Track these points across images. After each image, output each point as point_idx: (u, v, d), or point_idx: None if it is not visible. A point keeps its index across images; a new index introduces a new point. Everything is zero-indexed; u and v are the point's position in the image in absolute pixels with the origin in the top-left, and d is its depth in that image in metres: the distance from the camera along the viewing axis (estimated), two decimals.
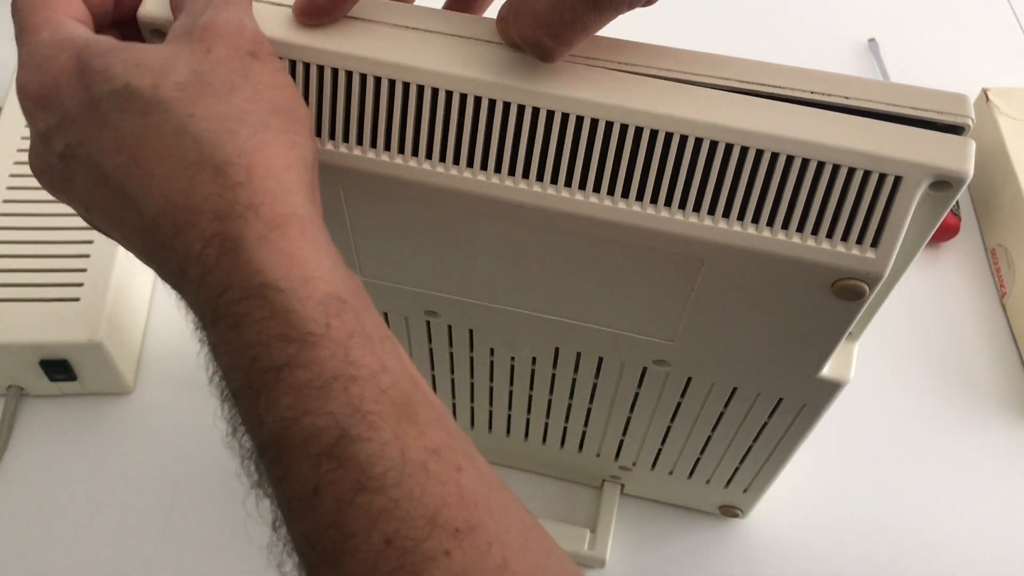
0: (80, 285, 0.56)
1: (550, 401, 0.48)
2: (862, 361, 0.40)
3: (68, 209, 0.59)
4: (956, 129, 0.30)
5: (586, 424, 0.49)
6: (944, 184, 0.30)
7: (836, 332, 0.36)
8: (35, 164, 0.31)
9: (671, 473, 0.52)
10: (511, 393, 0.48)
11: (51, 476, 0.56)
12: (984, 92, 0.70)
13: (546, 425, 0.51)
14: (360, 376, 0.26)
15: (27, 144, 0.62)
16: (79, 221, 0.60)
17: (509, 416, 0.51)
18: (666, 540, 0.55)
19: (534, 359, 0.44)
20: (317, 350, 0.25)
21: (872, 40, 0.80)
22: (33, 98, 0.29)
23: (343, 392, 0.25)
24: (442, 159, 0.33)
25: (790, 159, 0.31)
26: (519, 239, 0.36)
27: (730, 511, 0.54)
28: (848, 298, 0.33)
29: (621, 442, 0.50)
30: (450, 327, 0.43)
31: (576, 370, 0.44)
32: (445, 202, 0.34)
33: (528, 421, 0.51)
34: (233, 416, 0.28)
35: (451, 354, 0.46)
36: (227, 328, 0.27)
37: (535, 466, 0.57)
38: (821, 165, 0.30)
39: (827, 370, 0.39)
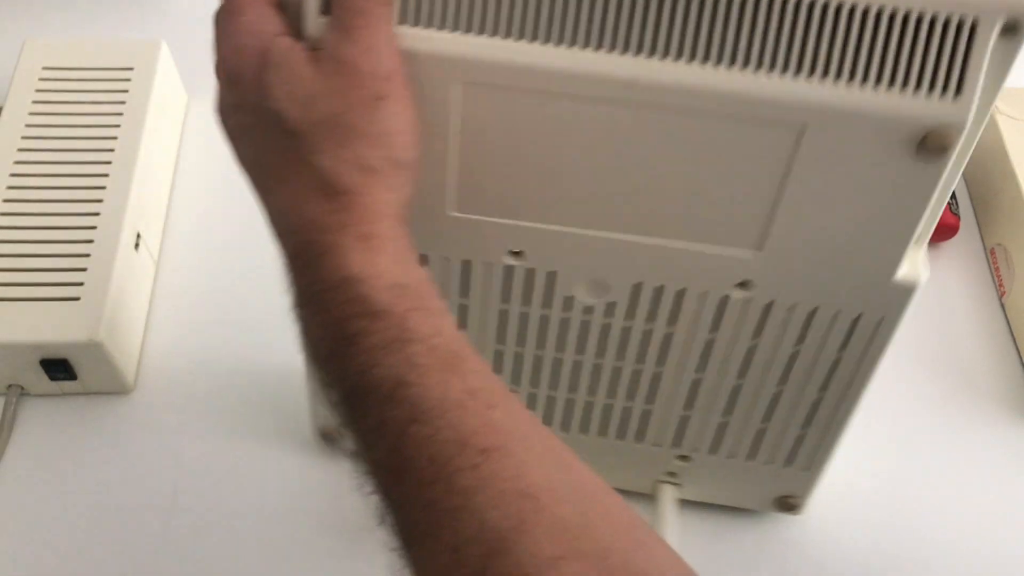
0: (80, 284, 0.56)
1: (618, 371, 0.48)
2: None
3: (68, 208, 0.59)
4: None
5: (651, 400, 0.49)
6: (1013, 29, 0.33)
7: (921, 202, 0.38)
8: (219, 115, 0.38)
9: (731, 457, 0.51)
10: (577, 366, 0.48)
11: (51, 475, 0.56)
12: None
13: (609, 408, 0.50)
14: (415, 338, 0.33)
15: (27, 144, 0.63)
16: (80, 220, 0.60)
17: (570, 400, 0.50)
18: (723, 545, 0.55)
19: (611, 308, 0.44)
20: (381, 321, 0.33)
21: None
22: (224, 75, 0.36)
23: (400, 350, 0.33)
24: (547, 39, 0.36)
25: (879, 11, 0.33)
26: (621, 126, 0.38)
27: (787, 504, 0.54)
28: (935, 154, 0.36)
29: (685, 420, 0.50)
30: (531, 274, 0.44)
31: (653, 317, 0.45)
32: (554, 84, 0.36)
33: (590, 405, 0.50)
34: (322, 376, 0.36)
35: (523, 315, 0.46)
36: (317, 310, 0.35)
37: None
38: (906, 15, 0.33)
39: (901, 272, 0.41)
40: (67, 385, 0.58)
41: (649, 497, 0.55)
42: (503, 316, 0.46)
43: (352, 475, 0.34)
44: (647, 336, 0.46)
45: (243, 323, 0.62)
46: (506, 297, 0.46)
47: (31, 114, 0.63)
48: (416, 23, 0.36)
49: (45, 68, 0.66)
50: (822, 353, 0.45)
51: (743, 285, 0.42)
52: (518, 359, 0.49)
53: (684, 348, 0.46)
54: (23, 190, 0.60)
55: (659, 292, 0.44)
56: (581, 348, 0.47)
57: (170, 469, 0.57)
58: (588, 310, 0.45)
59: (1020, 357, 0.63)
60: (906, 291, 0.42)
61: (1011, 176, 0.66)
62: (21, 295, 0.56)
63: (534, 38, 0.36)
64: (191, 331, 0.62)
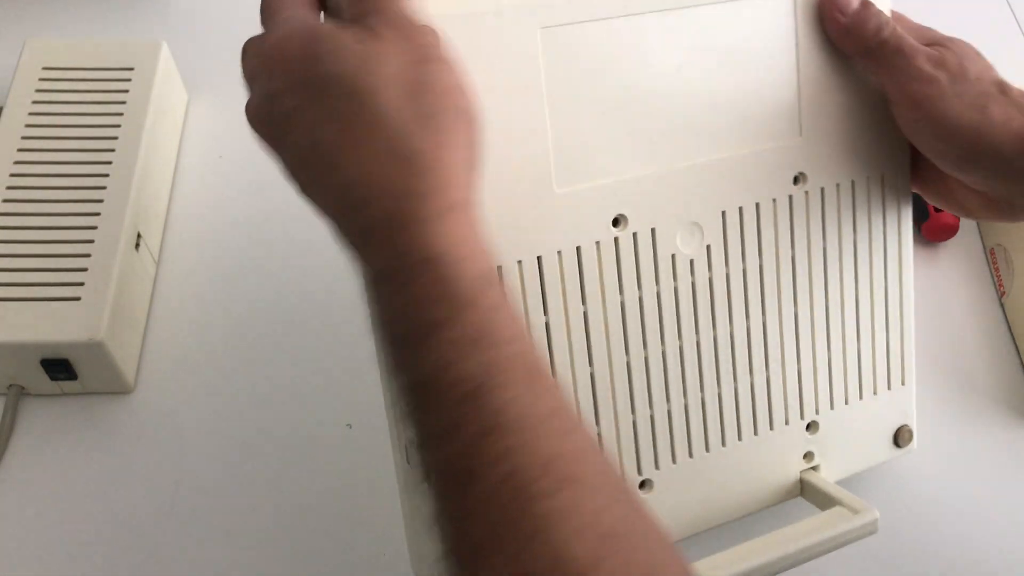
0: (81, 284, 0.56)
1: (732, 341, 0.49)
2: None
3: (69, 208, 0.59)
4: None
5: (767, 364, 0.50)
6: None
7: None
8: (254, 115, 0.36)
9: (848, 404, 0.53)
10: (697, 351, 0.48)
11: (51, 475, 0.56)
12: None
13: (735, 397, 0.50)
14: (500, 341, 0.32)
15: (27, 145, 0.63)
16: (80, 220, 0.60)
17: (702, 402, 0.49)
18: None
19: (709, 253, 0.47)
20: (466, 314, 0.31)
21: None
22: (268, 67, 0.35)
23: (484, 351, 0.31)
24: None
25: None
26: (671, 34, 0.44)
27: (904, 435, 0.55)
28: None
29: (801, 377, 0.51)
30: (635, 239, 0.46)
31: (743, 252, 0.48)
32: (608, 6, 0.42)
33: (718, 402, 0.49)
34: (390, 358, 0.33)
35: (639, 301, 0.46)
36: (399, 285, 0.32)
37: (727, 513, 0.52)
38: None
39: None
40: (67, 385, 0.58)
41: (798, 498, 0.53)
42: (622, 310, 0.46)
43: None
44: (745, 278, 0.49)
45: (243, 323, 0.62)
46: (619, 270, 0.46)
47: (31, 114, 0.63)
48: None
49: (45, 68, 0.66)
50: (872, 238, 0.51)
51: (798, 181, 0.49)
52: (646, 364, 0.48)
53: (776, 279, 0.49)
54: (23, 190, 0.60)
55: (740, 216, 0.48)
56: (695, 322, 0.48)
57: (170, 469, 0.57)
58: (691, 267, 0.47)
59: (1020, 357, 0.63)
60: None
61: None
62: (21, 295, 0.56)
63: None
64: (191, 331, 0.62)
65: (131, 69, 0.66)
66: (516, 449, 0.30)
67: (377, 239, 0.33)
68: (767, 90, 0.47)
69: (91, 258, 0.57)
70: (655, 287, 0.47)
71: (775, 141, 0.48)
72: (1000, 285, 0.66)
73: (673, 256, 0.47)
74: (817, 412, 0.52)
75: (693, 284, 0.48)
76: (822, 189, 0.49)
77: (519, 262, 0.43)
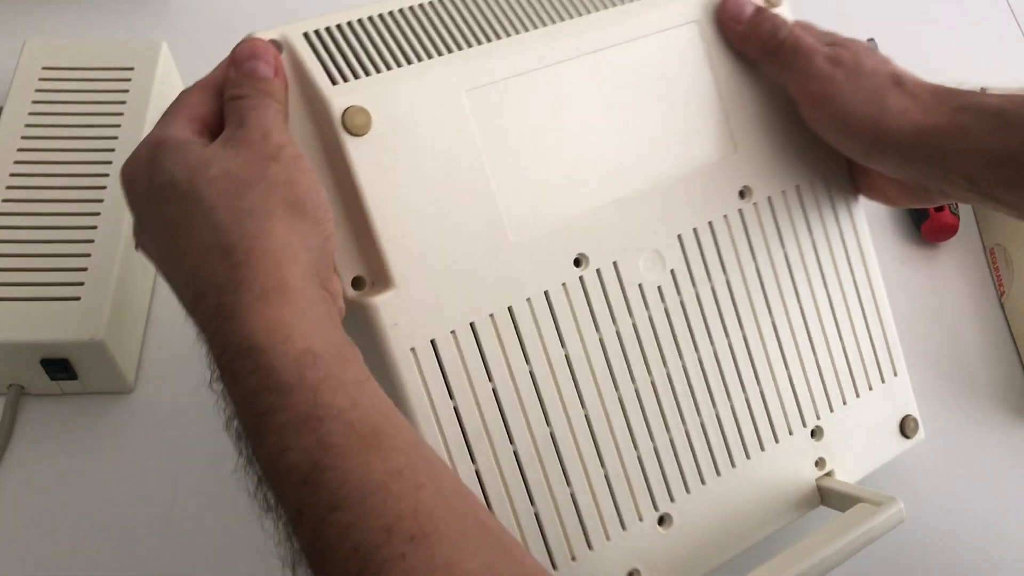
0: (81, 284, 0.56)
1: (717, 360, 0.49)
2: None
3: (69, 208, 0.60)
4: None
5: (758, 377, 0.50)
6: None
7: None
8: (133, 230, 0.39)
9: (847, 405, 0.53)
10: (683, 373, 0.48)
11: (51, 475, 0.56)
12: (983, 92, 0.70)
13: (734, 415, 0.50)
14: (328, 415, 0.31)
15: (27, 144, 0.63)
16: (80, 220, 0.60)
17: (704, 428, 0.49)
18: None
19: (675, 278, 0.48)
20: (291, 396, 0.31)
21: (871, 40, 0.80)
22: (122, 176, 0.38)
23: (313, 430, 0.31)
24: (500, 36, 0.45)
25: None
26: (588, 77, 0.46)
27: (909, 425, 0.55)
28: None
29: (794, 384, 0.51)
30: (599, 275, 0.46)
31: (707, 270, 0.49)
32: (525, 62, 0.45)
33: (719, 425, 0.49)
34: (243, 453, 0.34)
35: (618, 334, 0.47)
36: (228, 382, 0.33)
37: (752, 533, 0.51)
38: None
39: None
40: (67, 385, 0.58)
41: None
42: (603, 347, 0.46)
43: None
44: (715, 296, 0.49)
45: None
46: (591, 308, 0.46)
47: (31, 114, 0.63)
48: (408, 62, 0.43)
49: (45, 68, 0.66)
50: (830, 237, 0.53)
51: (744, 195, 0.50)
52: (638, 397, 0.48)
53: (747, 293, 0.50)
54: (24, 190, 0.60)
55: (696, 237, 0.49)
56: (676, 347, 0.48)
57: (170, 469, 0.57)
58: (660, 294, 0.48)
59: (1019, 357, 0.63)
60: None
61: None
62: (22, 294, 0.56)
63: (499, 37, 0.45)
64: (191, 331, 0.62)
65: (131, 69, 0.66)
66: (356, 522, 0.30)
67: (210, 332, 0.34)
68: (694, 112, 0.49)
69: (91, 258, 0.57)
70: (630, 319, 0.47)
71: (712, 159, 0.49)
72: (1000, 285, 0.66)
73: (640, 286, 0.47)
74: (818, 417, 0.52)
75: (666, 310, 0.48)
76: (769, 199, 0.51)
77: (491, 315, 0.43)
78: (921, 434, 0.55)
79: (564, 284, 0.45)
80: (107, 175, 0.61)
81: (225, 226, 0.33)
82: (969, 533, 0.56)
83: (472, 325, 0.42)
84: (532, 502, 0.44)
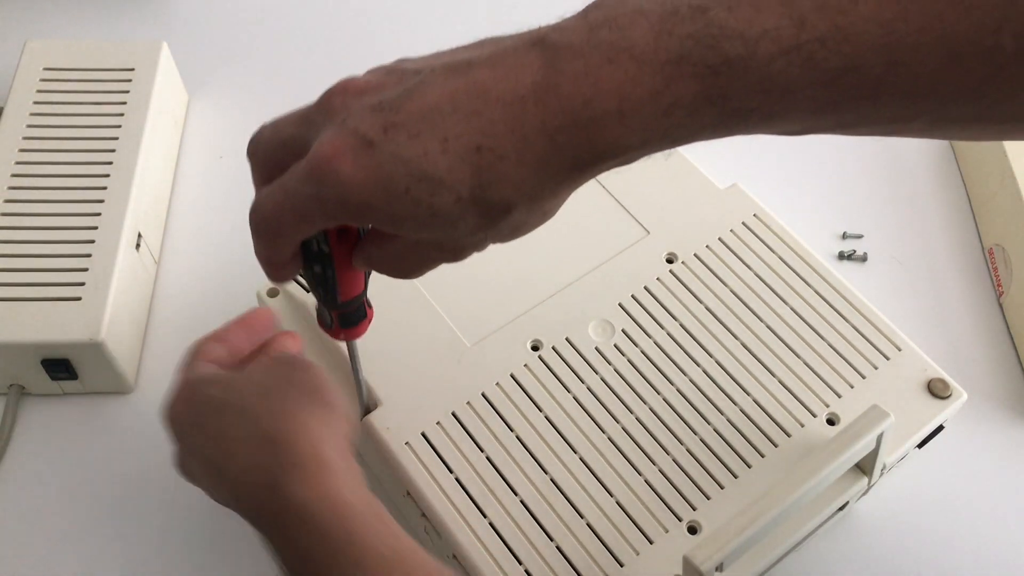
0: (82, 284, 0.56)
1: (688, 400, 0.52)
2: None
3: (69, 209, 0.60)
4: None
5: (721, 407, 0.52)
6: None
7: None
8: (178, 465, 0.44)
9: (862, 376, 0.54)
10: (690, 383, 0.53)
11: (51, 475, 0.56)
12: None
13: (727, 422, 0.52)
14: (366, 557, 0.37)
15: (28, 145, 0.63)
16: (81, 220, 0.60)
17: (684, 454, 0.51)
18: None
19: (627, 336, 0.54)
20: (347, 550, 0.37)
21: None
22: (166, 416, 0.43)
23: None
24: None
25: None
26: None
27: (937, 385, 0.54)
28: None
29: (781, 382, 0.53)
30: (557, 352, 0.53)
31: (656, 320, 0.54)
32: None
33: (704, 445, 0.51)
34: None
35: (585, 387, 0.52)
36: (282, 545, 0.38)
37: (793, 529, 0.49)
38: None
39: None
40: (68, 385, 0.58)
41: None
42: (578, 402, 0.52)
43: None
44: (673, 339, 0.54)
45: None
46: (562, 385, 0.52)
47: (32, 115, 0.64)
48: None
49: (46, 69, 0.66)
50: (769, 263, 0.57)
51: (672, 260, 0.57)
52: (653, 413, 0.52)
53: (703, 326, 0.54)
54: (24, 190, 0.60)
55: (636, 300, 0.55)
56: (650, 385, 0.53)
57: (170, 469, 0.56)
58: (620, 351, 0.54)
59: (1018, 357, 0.63)
60: None
61: (1009, 176, 0.66)
62: (22, 295, 0.56)
63: None
64: (191, 331, 0.62)
65: (131, 69, 0.67)
66: None
67: (265, 512, 0.39)
68: (593, 217, 0.58)
69: (91, 258, 0.57)
70: (595, 375, 0.53)
71: (631, 245, 0.57)
72: (999, 285, 0.66)
73: (597, 348, 0.54)
74: (827, 405, 0.53)
75: (629, 361, 0.53)
76: (696, 255, 0.57)
77: (468, 403, 0.51)
78: (961, 393, 0.54)
79: (527, 365, 0.53)
80: (107, 175, 0.61)
81: (269, 427, 0.40)
82: (969, 533, 0.56)
83: (454, 414, 0.51)
84: (551, 538, 0.48)
